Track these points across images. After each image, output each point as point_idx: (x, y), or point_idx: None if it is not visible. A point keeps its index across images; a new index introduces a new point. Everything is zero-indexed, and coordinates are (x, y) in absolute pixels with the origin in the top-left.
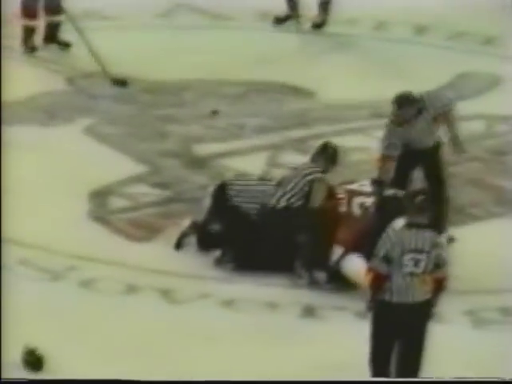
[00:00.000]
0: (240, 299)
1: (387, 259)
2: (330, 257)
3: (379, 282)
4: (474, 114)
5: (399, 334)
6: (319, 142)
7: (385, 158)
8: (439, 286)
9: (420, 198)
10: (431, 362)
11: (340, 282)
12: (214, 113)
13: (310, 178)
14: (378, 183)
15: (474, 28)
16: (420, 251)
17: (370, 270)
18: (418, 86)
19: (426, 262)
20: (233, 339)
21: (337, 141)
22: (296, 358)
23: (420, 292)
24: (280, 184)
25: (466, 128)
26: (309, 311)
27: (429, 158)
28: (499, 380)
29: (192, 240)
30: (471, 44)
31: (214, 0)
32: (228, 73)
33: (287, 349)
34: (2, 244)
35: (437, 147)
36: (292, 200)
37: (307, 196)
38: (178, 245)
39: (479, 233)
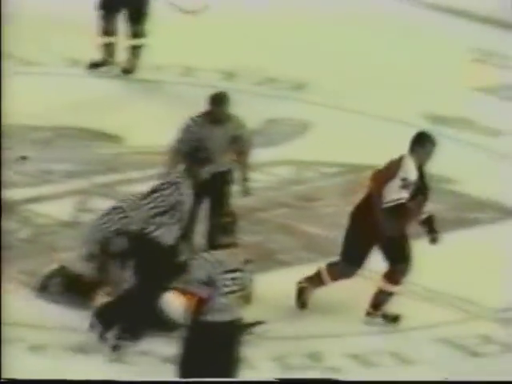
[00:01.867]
0: (53, 344)
1: (209, 282)
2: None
3: (202, 305)
4: (282, 160)
5: (214, 355)
6: (128, 188)
7: (173, 152)
8: (246, 301)
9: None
10: None
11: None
12: (23, 158)
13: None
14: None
15: (283, 74)
16: (236, 270)
17: (191, 294)
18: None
19: (241, 279)
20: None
21: (148, 186)
22: None
23: (238, 309)
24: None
25: (275, 174)
26: (116, 356)
27: (218, 181)
28: (498, 380)
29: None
30: (280, 90)
31: (23, 45)
32: (36, 118)
33: None
34: None
35: (228, 173)
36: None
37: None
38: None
39: (288, 278)
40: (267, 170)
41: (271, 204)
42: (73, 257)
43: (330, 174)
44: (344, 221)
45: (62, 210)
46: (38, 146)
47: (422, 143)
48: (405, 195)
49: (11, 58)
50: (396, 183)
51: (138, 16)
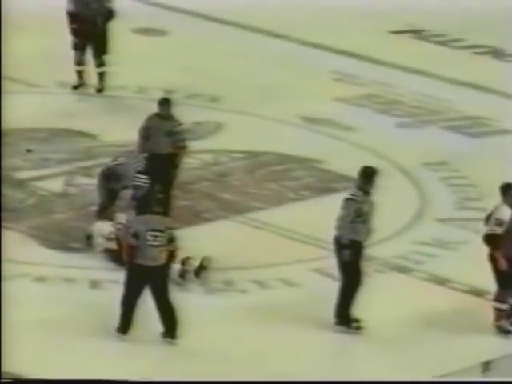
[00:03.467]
0: (50, 276)
1: (135, 235)
2: None
3: (132, 251)
4: (205, 149)
5: (147, 287)
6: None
7: (139, 136)
8: (172, 255)
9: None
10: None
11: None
12: (28, 150)
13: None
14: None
15: (204, 90)
16: (158, 230)
17: (123, 242)
18: None
19: (161, 237)
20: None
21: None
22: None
23: (159, 258)
24: None
25: (200, 158)
26: (95, 284)
27: (166, 163)
28: (500, 380)
29: None
30: (202, 101)
31: (28, 73)
32: (38, 123)
33: (81, 312)
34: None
35: (173, 156)
36: None
37: None
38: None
39: (210, 230)
40: (195, 155)
41: (198, 179)
42: (64, 217)
43: (237, 158)
44: (247, 189)
45: (56, 185)
46: (39, 142)
47: (507, 193)
48: (499, 230)
49: (19, 82)
50: (492, 222)
51: (100, 52)
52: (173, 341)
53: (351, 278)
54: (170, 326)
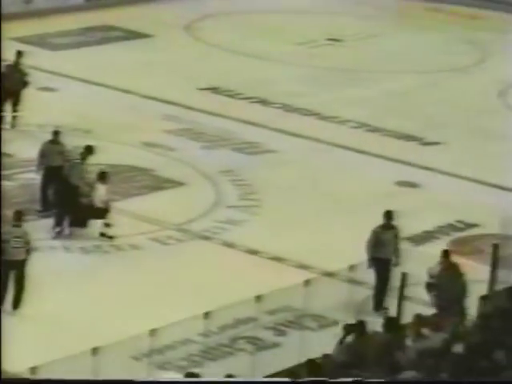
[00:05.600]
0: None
1: (5, 240)
2: None
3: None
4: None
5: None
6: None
7: (38, 155)
8: (28, 252)
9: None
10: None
11: None
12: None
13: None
14: None
15: (80, 126)
16: (18, 237)
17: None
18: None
19: (20, 241)
20: None
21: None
22: None
23: (22, 253)
24: None
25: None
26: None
27: (57, 172)
28: (494, 380)
29: None
30: (80, 133)
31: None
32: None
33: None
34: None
35: (61, 167)
36: None
37: None
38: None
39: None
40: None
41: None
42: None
43: (102, 168)
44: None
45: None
46: None
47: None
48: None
49: None
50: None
51: (15, 107)
52: (15, 310)
53: (381, 280)
54: (18, 299)
